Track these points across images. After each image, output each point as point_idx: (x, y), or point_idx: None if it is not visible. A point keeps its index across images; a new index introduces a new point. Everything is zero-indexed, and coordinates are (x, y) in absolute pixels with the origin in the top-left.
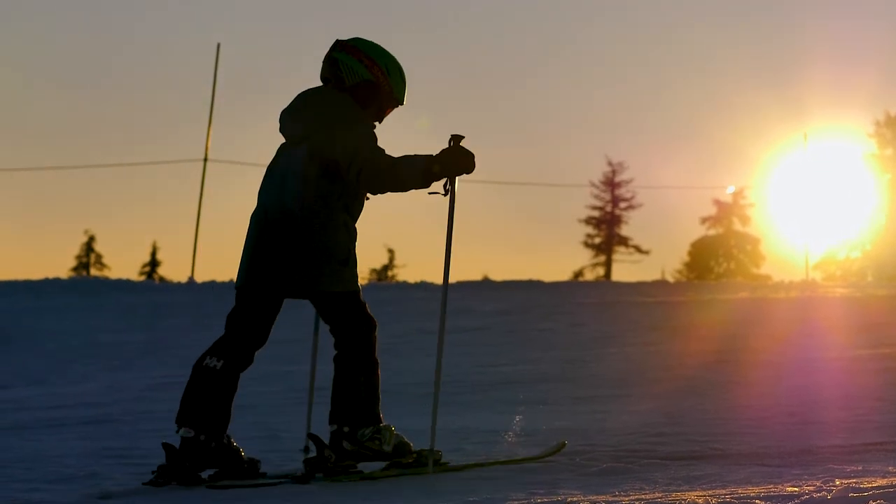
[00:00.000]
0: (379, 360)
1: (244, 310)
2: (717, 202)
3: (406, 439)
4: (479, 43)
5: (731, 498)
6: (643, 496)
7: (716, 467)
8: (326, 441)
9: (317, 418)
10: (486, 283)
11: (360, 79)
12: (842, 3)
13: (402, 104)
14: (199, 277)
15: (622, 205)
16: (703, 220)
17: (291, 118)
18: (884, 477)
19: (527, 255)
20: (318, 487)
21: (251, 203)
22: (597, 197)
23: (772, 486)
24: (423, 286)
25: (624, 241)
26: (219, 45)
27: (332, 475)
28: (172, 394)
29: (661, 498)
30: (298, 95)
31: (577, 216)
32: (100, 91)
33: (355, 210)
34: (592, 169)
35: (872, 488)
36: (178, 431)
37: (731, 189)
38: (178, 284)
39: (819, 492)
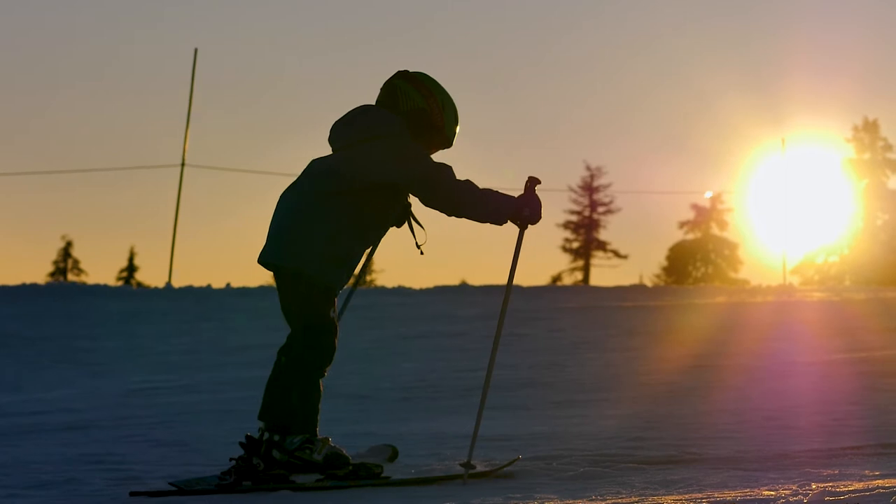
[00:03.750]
0: (322, 376)
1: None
2: (696, 207)
3: (345, 452)
4: (458, 48)
5: (708, 502)
6: (620, 500)
7: (693, 471)
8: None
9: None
10: (464, 288)
11: (415, 106)
12: (821, 8)
13: (450, 146)
14: (177, 283)
15: (600, 209)
16: (682, 225)
17: (340, 128)
18: (860, 481)
19: (505, 259)
20: (292, 493)
21: (229, 207)
22: (575, 201)
23: (748, 489)
24: (400, 291)
25: (602, 246)
26: (196, 50)
27: (260, 483)
28: (150, 399)
29: (637, 502)
30: (353, 109)
31: (555, 220)
32: (76, 96)
33: (374, 229)
34: (571, 173)
35: (849, 492)
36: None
37: (708, 194)
38: (156, 290)
39: (795, 496)
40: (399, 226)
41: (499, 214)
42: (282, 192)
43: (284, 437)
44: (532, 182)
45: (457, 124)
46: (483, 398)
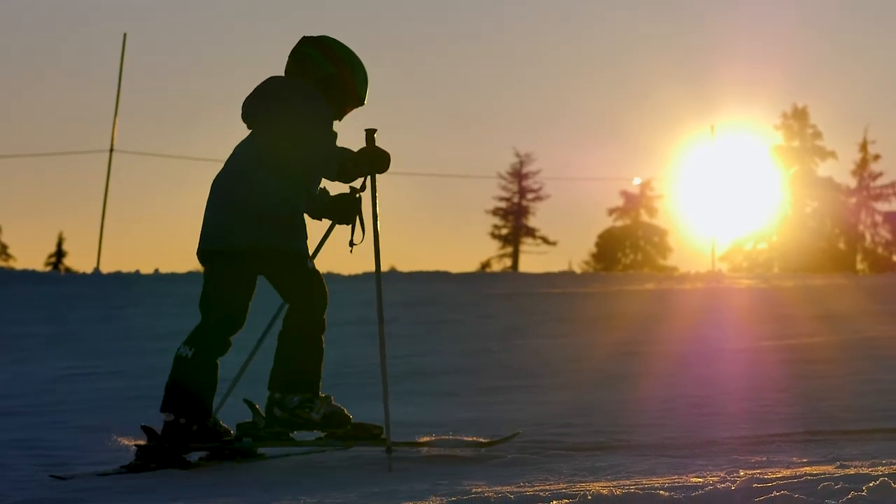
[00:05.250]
0: (323, 331)
1: (209, 282)
2: (625, 193)
3: (347, 412)
4: (387, 32)
5: (636, 489)
6: (548, 487)
7: (621, 458)
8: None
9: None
10: (392, 275)
11: (326, 72)
12: None
13: (363, 104)
14: (105, 268)
15: (529, 196)
16: (611, 212)
17: (250, 103)
18: (788, 468)
19: (434, 245)
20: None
21: (157, 193)
22: (504, 188)
23: (676, 476)
24: (329, 277)
25: (531, 233)
26: (125, 35)
27: (260, 440)
28: (79, 385)
29: (565, 489)
30: (260, 83)
31: (484, 207)
32: (3, 80)
33: (309, 187)
34: (500, 160)
35: (776, 479)
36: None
37: (637, 181)
38: (84, 275)
39: (723, 482)
40: (349, 222)
41: (333, 172)
42: (212, 180)
43: (285, 395)
44: (368, 133)
45: (367, 83)
46: (384, 382)
